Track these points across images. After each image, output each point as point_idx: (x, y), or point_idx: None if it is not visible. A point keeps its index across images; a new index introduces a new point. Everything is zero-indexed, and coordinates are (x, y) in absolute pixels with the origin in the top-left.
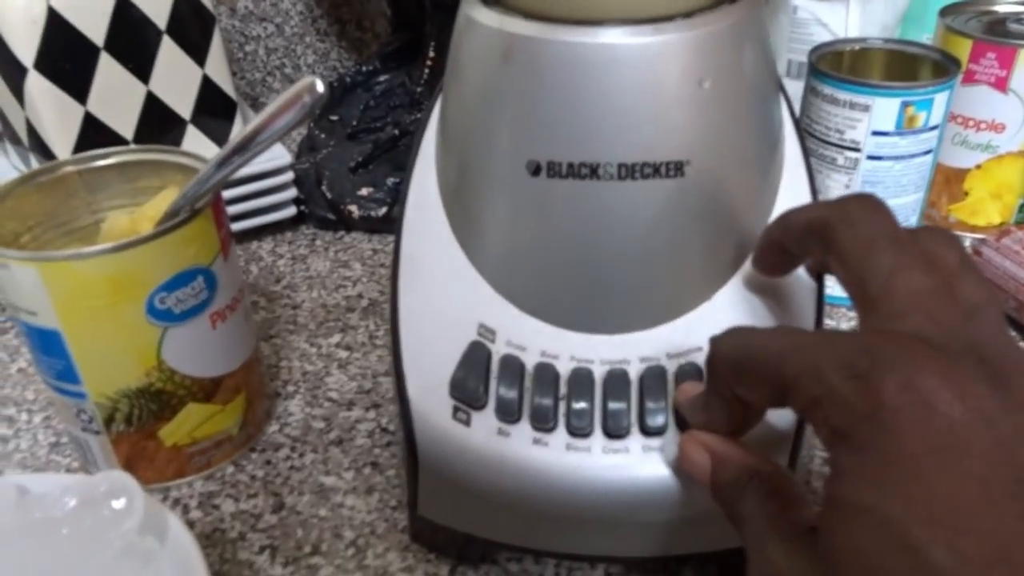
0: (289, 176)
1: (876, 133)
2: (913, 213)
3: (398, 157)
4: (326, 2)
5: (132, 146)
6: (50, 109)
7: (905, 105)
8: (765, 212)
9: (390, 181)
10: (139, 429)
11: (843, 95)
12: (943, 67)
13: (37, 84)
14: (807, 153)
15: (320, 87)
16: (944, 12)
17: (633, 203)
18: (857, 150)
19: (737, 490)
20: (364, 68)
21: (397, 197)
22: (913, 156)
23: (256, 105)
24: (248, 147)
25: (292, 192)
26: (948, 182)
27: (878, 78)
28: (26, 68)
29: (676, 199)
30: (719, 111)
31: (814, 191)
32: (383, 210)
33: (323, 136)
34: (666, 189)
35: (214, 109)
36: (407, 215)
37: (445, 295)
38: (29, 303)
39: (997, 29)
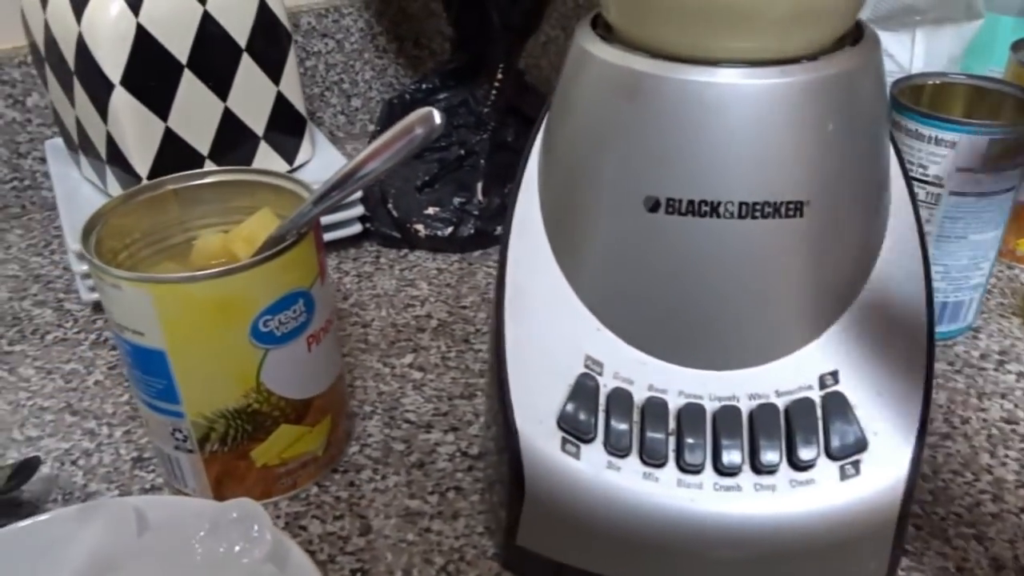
0: (357, 193)
1: (960, 169)
2: (992, 248)
3: (463, 177)
4: (386, 20)
5: (228, 167)
6: (133, 124)
7: (992, 143)
8: (874, 251)
9: (456, 201)
10: (232, 449)
11: (928, 130)
12: None
13: (122, 100)
14: (913, 191)
15: (438, 118)
16: (1016, 46)
17: (750, 242)
18: (940, 186)
19: None
20: (424, 86)
21: (463, 217)
22: (996, 193)
23: (314, 120)
24: (352, 179)
25: (359, 209)
26: (1017, 217)
27: (959, 113)
28: (113, 84)
29: (793, 239)
30: (839, 152)
31: (920, 230)
32: (449, 229)
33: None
34: (784, 229)
35: (285, 125)
36: (511, 243)
37: (551, 326)
38: (137, 323)
39: None
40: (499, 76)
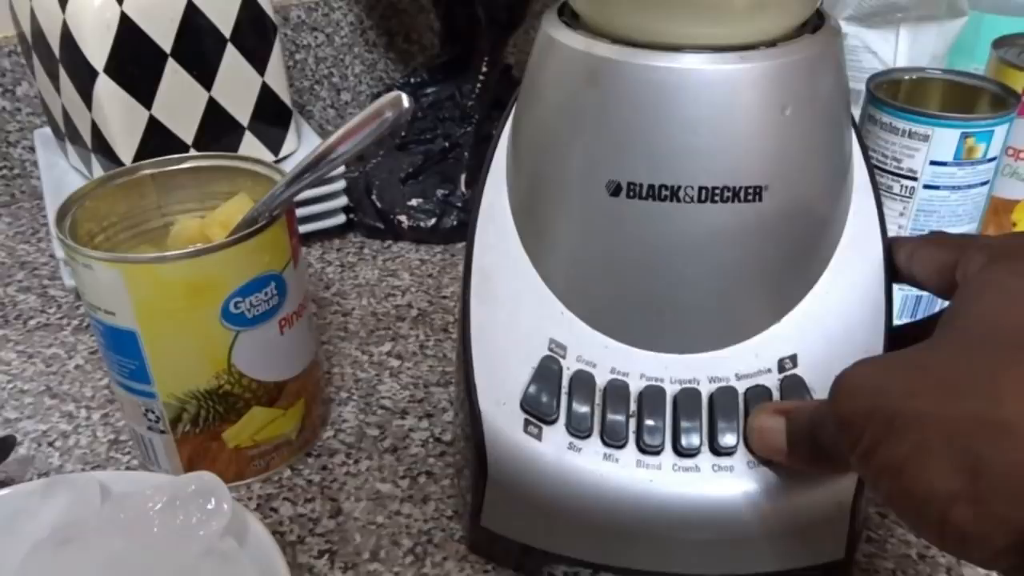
0: (341, 184)
1: (934, 163)
2: None
3: (447, 169)
4: (376, 14)
5: (206, 152)
6: (117, 112)
7: (965, 136)
8: (835, 236)
9: (439, 193)
10: (204, 430)
11: (902, 124)
12: (1001, 99)
13: (106, 87)
14: (875, 180)
15: (406, 102)
16: (997, 44)
17: (710, 226)
18: (914, 179)
19: (820, 424)
20: (412, 80)
21: (446, 208)
22: (970, 187)
23: (304, 113)
24: (323, 161)
25: (343, 200)
26: (996, 212)
27: (935, 108)
28: (97, 71)
29: (752, 223)
30: (798, 138)
31: (882, 217)
32: (432, 221)
33: (372, 145)
34: (743, 213)
35: (270, 116)
36: (479, 228)
37: (516, 310)
38: (109, 303)
39: None
40: (484, 70)
